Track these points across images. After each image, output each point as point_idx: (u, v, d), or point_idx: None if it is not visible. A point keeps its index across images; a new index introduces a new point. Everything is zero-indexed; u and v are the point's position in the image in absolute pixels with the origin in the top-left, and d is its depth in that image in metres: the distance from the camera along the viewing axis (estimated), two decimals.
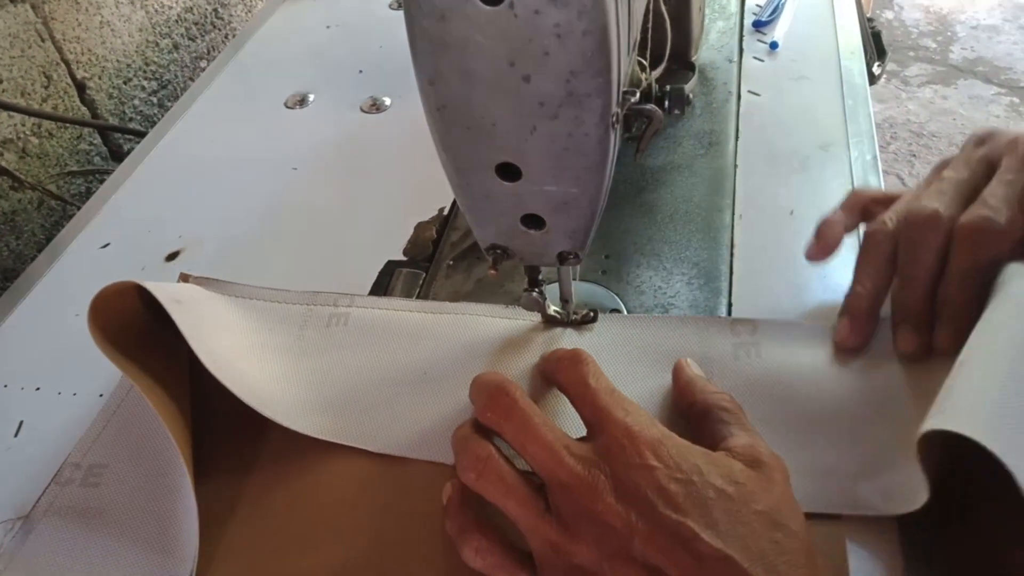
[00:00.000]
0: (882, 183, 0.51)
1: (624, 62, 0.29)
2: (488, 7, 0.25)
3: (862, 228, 0.41)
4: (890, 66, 2.03)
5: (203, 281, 0.46)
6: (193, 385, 0.40)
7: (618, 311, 0.44)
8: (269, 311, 0.45)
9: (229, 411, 0.37)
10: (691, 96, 0.33)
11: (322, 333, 0.43)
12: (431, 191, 0.53)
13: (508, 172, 0.31)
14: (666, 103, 0.33)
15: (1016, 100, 1.87)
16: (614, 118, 0.29)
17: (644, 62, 0.34)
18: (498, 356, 0.41)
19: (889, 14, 2.24)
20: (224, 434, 0.39)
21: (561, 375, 0.34)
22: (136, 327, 0.40)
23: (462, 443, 0.33)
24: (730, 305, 0.44)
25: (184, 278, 0.47)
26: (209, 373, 0.36)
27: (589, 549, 0.29)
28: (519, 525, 0.31)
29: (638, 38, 0.32)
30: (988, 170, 0.38)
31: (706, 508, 0.28)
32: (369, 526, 0.35)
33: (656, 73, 0.38)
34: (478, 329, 0.42)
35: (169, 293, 0.39)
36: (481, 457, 0.31)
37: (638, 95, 0.31)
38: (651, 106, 0.31)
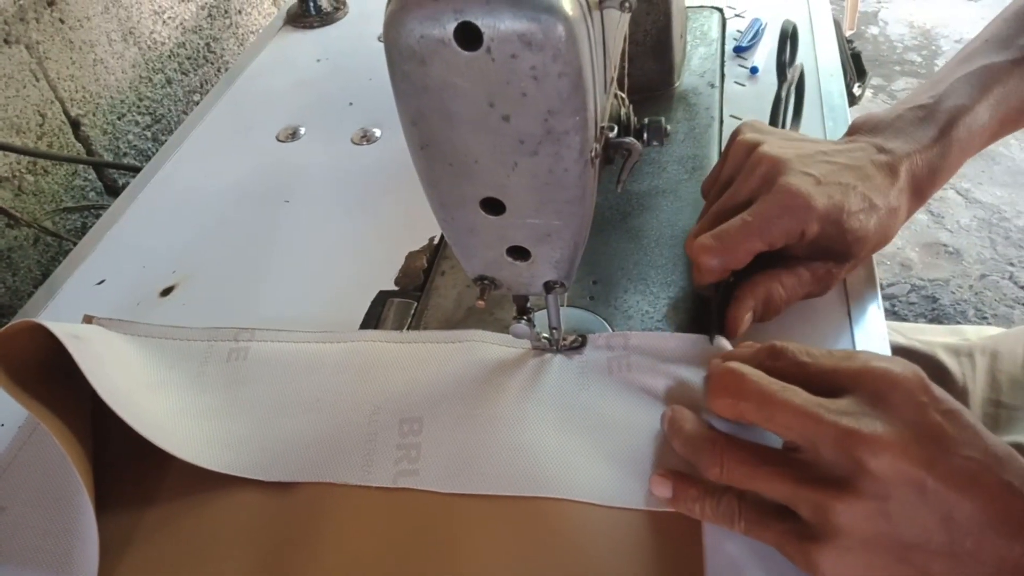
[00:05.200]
0: None
1: (601, 99, 0.30)
2: (466, 52, 0.26)
3: None
4: (876, 81, 2.05)
5: (106, 322, 0.47)
6: (94, 418, 0.41)
7: None
8: (170, 349, 0.46)
9: (129, 444, 0.38)
10: (668, 128, 0.34)
11: (222, 368, 0.45)
12: (422, 221, 0.54)
13: (493, 206, 0.32)
14: (644, 135, 0.34)
15: None
16: (592, 153, 0.30)
17: (622, 95, 0.35)
18: (388, 377, 0.43)
19: (874, 29, 2.27)
20: (124, 466, 0.41)
21: (772, 362, 0.34)
22: (40, 365, 0.41)
23: (691, 445, 0.34)
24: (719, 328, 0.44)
25: (88, 319, 0.48)
26: (108, 406, 0.38)
27: (873, 501, 0.28)
28: (780, 500, 0.31)
29: (615, 75, 0.33)
30: None
31: (978, 437, 0.29)
32: (264, 553, 0.37)
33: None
34: (370, 355, 0.44)
35: (69, 330, 0.41)
36: (716, 450, 0.32)
37: (616, 130, 0.32)
38: (630, 139, 0.32)
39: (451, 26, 0.25)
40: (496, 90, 0.27)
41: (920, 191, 0.42)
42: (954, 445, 0.29)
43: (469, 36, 0.25)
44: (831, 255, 0.42)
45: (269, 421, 0.42)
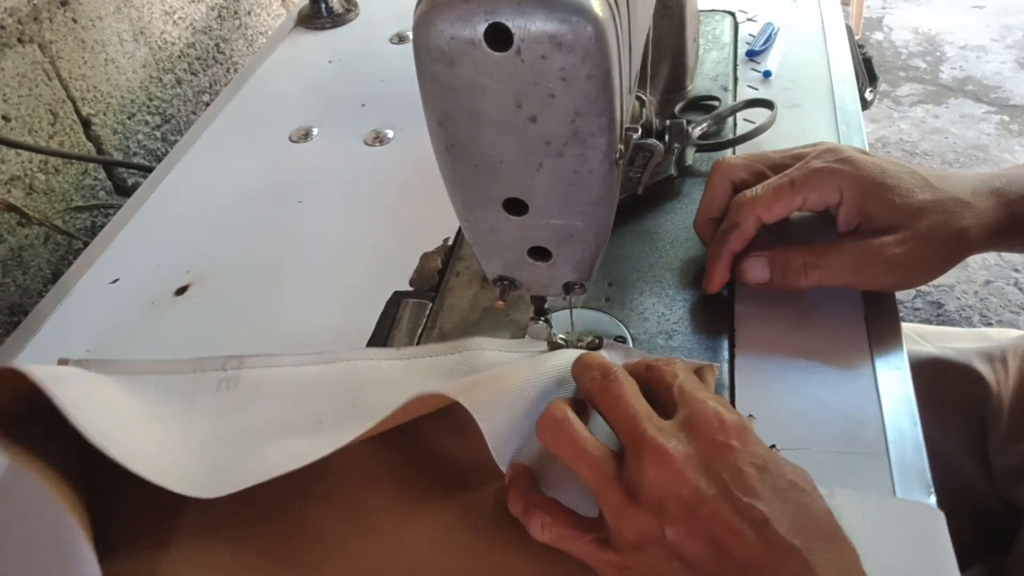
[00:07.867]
0: None
1: (626, 101, 0.30)
2: (496, 53, 0.26)
3: None
4: (882, 86, 2.05)
5: (84, 363, 0.45)
6: (99, 465, 0.38)
7: (623, 338, 0.44)
8: (155, 384, 0.44)
9: (141, 490, 0.36)
10: (689, 130, 0.34)
11: (213, 399, 0.43)
12: (436, 221, 0.54)
13: (515, 207, 0.32)
14: (666, 137, 0.34)
15: (1006, 118, 1.89)
16: (617, 154, 0.30)
17: (644, 97, 0.35)
18: (390, 396, 0.41)
19: (879, 35, 2.27)
20: (137, 512, 0.39)
21: (651, 372, 0.35)
22: (22, 414, 0.38)
23: (545, 410, 0.34)
24: (732, 330, 0.44)
25: (63, 362, 0.45)
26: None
27: (652, 516, 0.29)
28: (590, 488, 0.32)
29: (638, 76, 0.34)
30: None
31: (780, 497, 0.29)
32: None
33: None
34: (369, 373, 0.43)
35: (49, 373, 0.37)
36: (557, 419, 0.33)
37: (640, 131, 0.32)
38: (652, 140, 0.32)
39: (481, 27, 0.25)
40: (524, 91, 0.27)
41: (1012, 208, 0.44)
42: (744, 493, 0.29)
43: (499, 37, 0.26)
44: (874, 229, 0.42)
45: (268, 445, 0.40)
